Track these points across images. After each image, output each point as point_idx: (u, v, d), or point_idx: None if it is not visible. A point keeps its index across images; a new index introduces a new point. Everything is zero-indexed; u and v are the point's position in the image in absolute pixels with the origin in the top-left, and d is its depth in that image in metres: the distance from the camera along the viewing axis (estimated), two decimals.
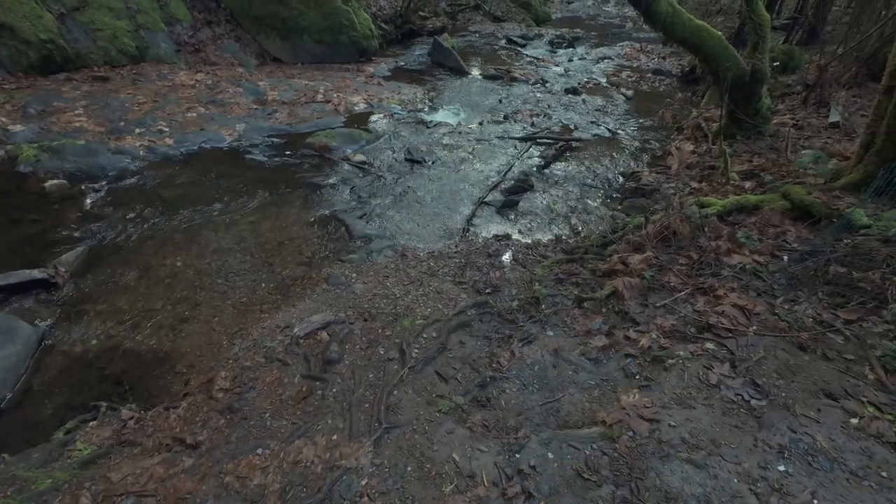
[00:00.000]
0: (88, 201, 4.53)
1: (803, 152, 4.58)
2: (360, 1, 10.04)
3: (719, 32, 5.27)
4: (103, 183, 4.81)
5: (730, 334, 2.64)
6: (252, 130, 6.16)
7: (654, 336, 2.78)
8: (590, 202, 5.14)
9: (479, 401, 2.34)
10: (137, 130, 5.68)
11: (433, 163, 5.75)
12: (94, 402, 2.66)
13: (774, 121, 5.61)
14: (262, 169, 5.42)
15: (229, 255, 4.03)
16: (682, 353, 2.55)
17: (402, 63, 9.90)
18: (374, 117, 7.02)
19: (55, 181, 4.63)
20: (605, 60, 11.12)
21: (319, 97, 7.37)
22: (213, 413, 2.35)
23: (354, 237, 4.30)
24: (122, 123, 5.75)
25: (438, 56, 9.89)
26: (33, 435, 2.53)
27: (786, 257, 3.25)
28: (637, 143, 6.62)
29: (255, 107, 6.83)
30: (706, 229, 3.61)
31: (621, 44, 12.79)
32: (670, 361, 2.51)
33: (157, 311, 3.44)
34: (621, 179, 5.59)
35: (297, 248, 4.18)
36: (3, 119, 5.36)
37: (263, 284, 3.77)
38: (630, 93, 8.79)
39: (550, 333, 2.98)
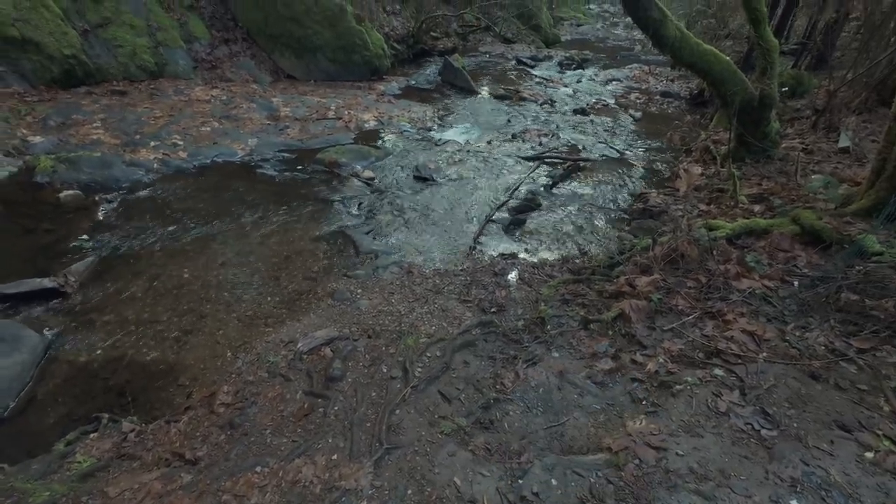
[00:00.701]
0: (101, 212, 4.61)
1: (813, 177, 4.55)
2: (374, 21, 10.29)
3: (727, 57, 5.31)
4: (117, 194, 4.90)
5: (739, 360, 2.59)
6: (264, 145, 6.27)
7: (661, 360, 2.74)
8: (597, 222, 5.13)
9: (482, 423, 2.31)
10: (152, 143, 5.80)
11: (441, 180, 5.79)
12: (96, 413, 2.66)
13: (783, 145, 5.60)
14: (273, 183, 5.49)
15: (237, 268, 4.06)
16: (689, 378, 2.50)
17: (413, 82, 10.07)
18: (383, 134, 7.11)
19: (70, 192, 4.72)
20: (614, 82, 11.24)
21: (331, 114, 7.50)
22: (214, 428, 2.33)
23: (361, 253, 4.31)
24: (137, 136, 5.88)
25: (449, 75, 10.06)
26: (34, 445, 2.52)
27: (796, 283, 3.20)
28: (645, 165, 6.63)
29: (267, 122, 6.96)
30: (715, 252, 3.58)
31: (630, 66, 12.93)
32: (678, 387, 2.46)
33: (162, 323, 3.46)
34: (629, 200, 5.59)
35: (303, 262, 4.19)
36: (24, 131, 5.51)
37: (269, 298, 3.78)
38: (638, 114, 8.85)
39: (556, 355, 2.95)
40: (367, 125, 7.33)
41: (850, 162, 4.97)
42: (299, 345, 3.03)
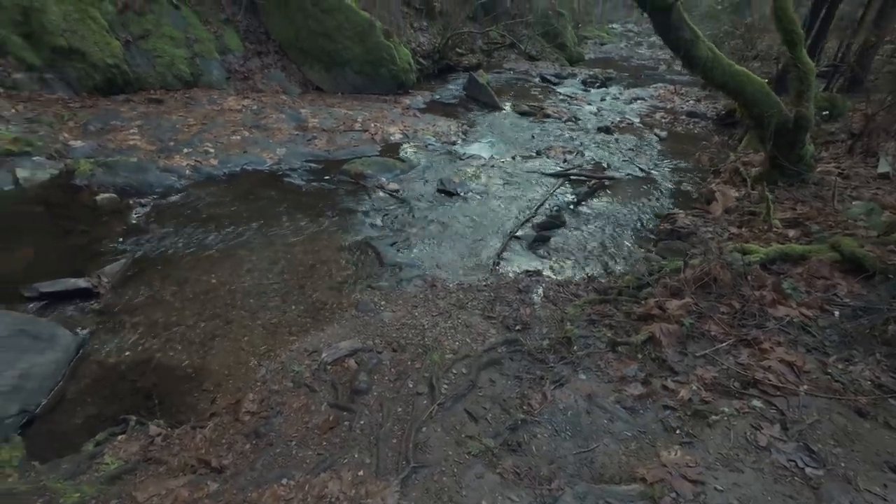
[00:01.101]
0: (135, 215, 4.73)
1: (854, 203, 4.41)
2: (401, 37, 10.49)
3: (761, 79, 5.23)
4: (150, 199, 5.03)
5: (778, 392, 2.49)
6: (292, 155, 6.39)
7: (694, 388, 2.65)
8: (623, 241, 5.05)
9: (509, 445, 2.25)
10: (185, 150, 5.96)
11: (465, 195, 5.80)
12: (124, 414, 2.68)
13: (818, 169, 5.46)
14: (300, 193, 5.57)
15: (263, 275, 4.10)
16: (726, 409, 2.40)
17: (438, 96, 10.19)
18: (408, 148, 7.18)
19: (106, 195, 4.86)
20: (638, 101, 11.18)
21: (357, 126, 7.62)
22: (240, 436, 2.33)
23: (385, 265, 4.32)
24: (171, 143, 6.05)
25: (473, 91, 10.15)
26: (64, 444, 2.55)
27: (837, 312, 3.08)
28: (671, 185, 6.53)
29: (296, 132, 7.10)
30: (749, 277, 3.48)
31: (654, 85, 12.87)
32: (714, 417, 2.37)
33: (189, 327, 3.50)
34: (655, 220, 5.50)
35: (328, 271, 4.22)
36: (66, 135, 5.72)
37: (294, 306, 3.80)
38: (664, 134, 8.76)
39: (583, 377, 2.88)
40: (392, 138, 7.42)
41: (890, 188, 4.81)
42: (323, 355, 3.03)
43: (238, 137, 6.57)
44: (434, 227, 5.06)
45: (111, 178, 5.11)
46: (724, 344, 2.96)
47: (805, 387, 2.49)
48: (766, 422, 2.27)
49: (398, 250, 4.59)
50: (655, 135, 8.69)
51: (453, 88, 10.79)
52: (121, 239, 4.35)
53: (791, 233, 4.24)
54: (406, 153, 6.98)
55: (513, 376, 2.82)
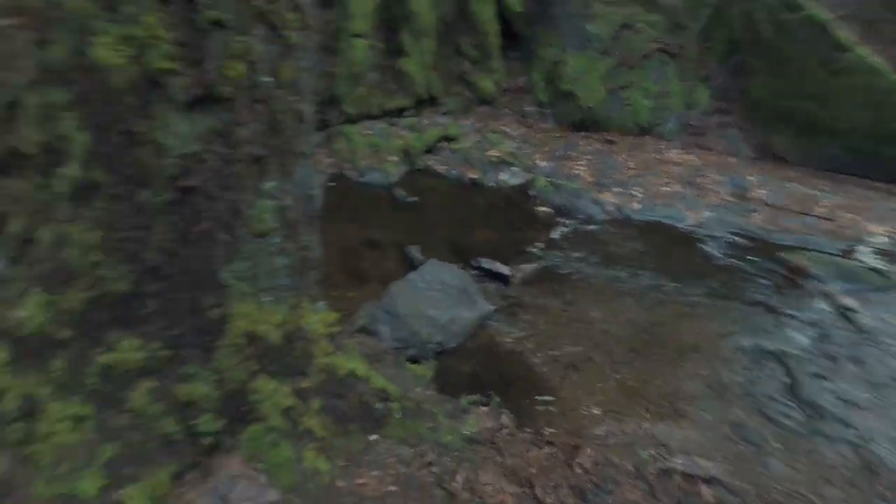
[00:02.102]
0: (558, 232, 5.50)
1: None
2: None
3: None
4: (573, 222, 5.72)
5: None
6: (717, 221, 5.77)
7: None
8: None
9: None
10: (616, 189, 6.42)
11: None
12: (490, 390, 3.16)
13: None
14: (712, 264, 4.97)
15: (637, 333, 3.91)
16: None
17: None
18: (891, 258, 5.08)
19: (545, 209, 5.90)
20: None
21: (818, 211, 6.03)
22: (566, 485, 2.28)
23: (799, 398, 3.23)
24: (607, 180, 6.65)
25: None
26: (450, 384, 3.26)
27: None
28: None
29: (730, 199, 6.35)
30: None
31: None
32: None
33: (558, 346, 3.75)
34: None
35: (713, 366, 3.56)
36: (538, 155, 7.30)
37: (658, 381, 3.43)
38: None
39: None
40: (870, 239, 5.45)
41: None
42: (678, 460, 2.57)
43: (668, 189, 6.50)
44: None
45: (553, 197, 6.14)
46: None
47: None
48: None
49: (825, 388, 3.33)
50: None
51: None
52: (541, 246, 5.15)
53: None
54: (884, 264, 4.97)
55: None
